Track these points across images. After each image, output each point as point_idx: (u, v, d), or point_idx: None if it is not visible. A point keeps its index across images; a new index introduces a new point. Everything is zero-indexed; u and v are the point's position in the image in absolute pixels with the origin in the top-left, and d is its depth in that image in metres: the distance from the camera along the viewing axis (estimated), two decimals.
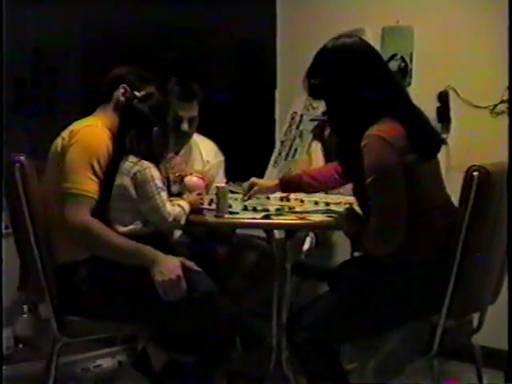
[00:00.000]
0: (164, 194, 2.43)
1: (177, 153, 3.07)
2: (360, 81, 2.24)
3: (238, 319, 2.56)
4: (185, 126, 2.96)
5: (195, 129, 3.05)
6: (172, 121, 2.52)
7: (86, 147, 2.42)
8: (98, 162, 2.42)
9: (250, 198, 2.76)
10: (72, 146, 2.43)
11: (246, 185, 2.80)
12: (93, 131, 2.47)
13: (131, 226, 2.43)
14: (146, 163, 2.42)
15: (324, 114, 3.75)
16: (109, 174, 2.43)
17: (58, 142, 2.51)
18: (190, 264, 2.40)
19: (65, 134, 2.51)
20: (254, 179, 2.81)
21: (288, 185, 2.81)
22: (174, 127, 2.62)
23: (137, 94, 2.52)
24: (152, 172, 2.41)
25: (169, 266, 2.36)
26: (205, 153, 3.21)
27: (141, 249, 2.39)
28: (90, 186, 2.39)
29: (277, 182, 2.82)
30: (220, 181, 3.03)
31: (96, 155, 2.42)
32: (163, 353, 2.72)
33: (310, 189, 2.82)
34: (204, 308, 2.41)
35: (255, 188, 2.78)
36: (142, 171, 2.40)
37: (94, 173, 2.41)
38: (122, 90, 2.57)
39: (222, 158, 3.25)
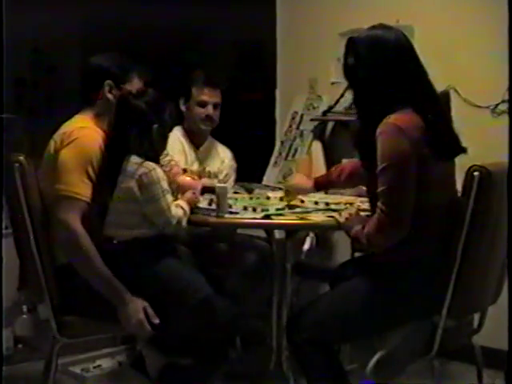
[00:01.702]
0: (169, 197, 2.40)
1: (197, 147, 3.27)
2: (382, 70, 2.26)
3: (238, 321, 2.55)
4: (210, 110, 3.21)
5: (219, 115, 3.27)
6: (168, 116, 2.51)
7: (79, 149, 2.41)
8: (92, 165, 2.41)
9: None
10: (65, 148, 2.42)
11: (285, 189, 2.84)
12: (86, 133, 2.45)
13: (139, 230, 2.41)
14: (151, 164, 2.39)
15: (324, 113, 3.77)
16: (110, 175, 2.42)
17: (51, 144, 2.50)
18: (151, 313, 2.38)
19: (57, 136, 2.49)
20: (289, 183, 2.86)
21: (320, 184, 2.80)
22: (171, 121, 2.61)
23: (131, 90, 2.50)
24: (158, 174, 2.38)
25: (131, 311, 2.37)
26: (222, 154, 3.36)
27: (112, 282, 2.37)
28: (82, 189, 2.38)
29: (311, 183, 2.81)
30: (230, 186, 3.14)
31: (89, 158, 2.41)
32: (160, 356, 2.71)
33: (337, 185, 2.83)
34: (202, 313, 2.40)
35: (292, 184, 2.81)
36: (148, 173, 2.37)
37: (88, 176, 2.40)
38: (107, 88, 2.55)
39: (235, 164, 3.38)
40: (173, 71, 3.70)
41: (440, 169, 2.26)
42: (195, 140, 3.28)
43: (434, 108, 2.28)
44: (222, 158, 3.34)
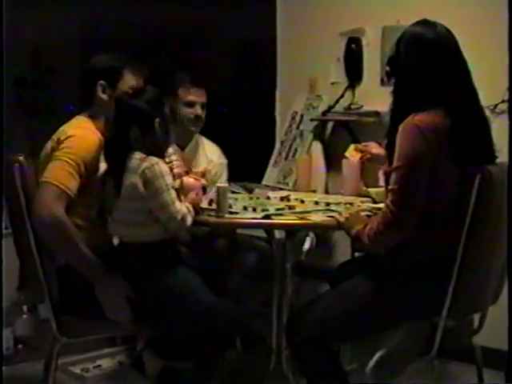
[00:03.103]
0: (173, 192, 2.38)
1: (183, 149, 3.18)
2: (416, 67, 2.25)
3: (238, 322, 2.55)
4: (198, 110, 3.15)
5: (205, 115, 3.20)
6: (169, 111, 2.50)
7: (72, 146, 2.42)
8: (85, 164, 2.42)
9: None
10: (62, 148, 2.43)
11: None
12: (82, 133, 2.48)
13: (144, 229, 2.40)
14: (154, 159, 2.37)
15: (324, 113, 3.77)
16: (114, 174, 2.42)
17: (49, 144, 2.52)
18: (131, 297, 2.42)
19: (55, 136, 2.51)
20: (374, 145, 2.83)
21: None
22: (172, 116, 2.61)
23: (126, 89, 2.51)
24: (161, 168, 2.36)
25: (111, 291, 2.39)
26: (209, 152, 3.29)
27: (93, 262, 2.39)
28: (70, 183, 2.38)
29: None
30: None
31: (82, 156, 2.42)
32: (159, 359, 2.72)
33: None
34: (204, 322, 2.40)
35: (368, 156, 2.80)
36: (151, 167, 2.35)
37: (79, 174, 2.40)
38: (100, 88, 2.56)
39: (225, 161, 3.33)
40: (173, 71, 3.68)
41: (459, 174, 2.23)
42: (180, 141, 3.19)
43: (469, 112, 2.25)
44: (210, 158, 3.27)
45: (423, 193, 2.18)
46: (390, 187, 2.21)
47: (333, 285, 2.61)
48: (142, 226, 2.40)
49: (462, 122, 2.21)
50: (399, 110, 2.27)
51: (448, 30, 2.33)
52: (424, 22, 2.34)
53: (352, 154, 2.89)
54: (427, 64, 2.25)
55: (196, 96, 3.15)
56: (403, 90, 2.29)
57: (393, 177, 2.20)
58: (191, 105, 3.15)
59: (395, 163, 2.19)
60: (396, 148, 2.19)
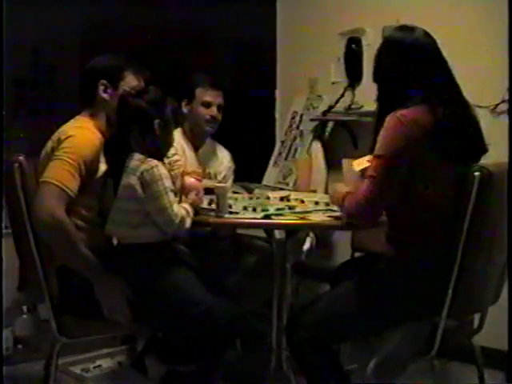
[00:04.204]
0: (171, 195, 2.36)
1: (197, 149, 3.27)
2: (395, 70, 2.30)
3: (238, 322, 2.55)
4: (214, 111, 3.23)
5: (221, 117, 3.28)
6: (170, 112, 2.50)
7: (72, 145, 2.42)
8: (85, 164, 2.41)
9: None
10: (62, 147, 2.43)
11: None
12: (81, 132, 2.48)
13: (141, 230, 2.40)
14: (153, 161, 2.35)
15: (324, 113, 3.77)
16: (113, 174, 2.41)
17: (49, 144, 2.52)
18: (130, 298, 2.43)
19: (55, 136, 2.51)
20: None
21: None
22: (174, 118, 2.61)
23: (129, 89, 2.51)
24: (160, 171, 2.34)
25: (109, 291, 2.40)
26: (221, 156, 3.37)
27: (93, 263, 2.40)
28: (70, 183, 2.38)
29: None
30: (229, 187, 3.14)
31: (82, 155, 2.42)
32: (162, 363, 2.72)
33: None
34: (203, 324, 2.40)
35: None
36: (150, 170, 2.33)
37: (79, 174, 2.40)
38: (101, 87, 2.57)
39: (233, 166, 3.39)
40: (173, 71, 3.69)
41: (447, 170, 2.24)
42: (195, 142, 3.28)
43: (452, 109, 2.26)
44: (221, 160, 3.35)
45: (399, 185, 2.20)
46: (367, 173, 2.23)
47: (333, 285, 2.61)
48: (137, 227, 2.38)
49: (445, 118, 2.23)
50: (383, 110, 2.30)
51: (426, 33, 2.36)
52: (402, 28, 2.39)
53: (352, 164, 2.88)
54: (407, 67, 2.28)
55: (213, 97, 3.23)
56: (386, 95, 2.32)
57: (371, 165, 2.23)
58: (208, 105, 3.23)
59: (375, 152, 2.23)
60: (378, 139, 2.22)
